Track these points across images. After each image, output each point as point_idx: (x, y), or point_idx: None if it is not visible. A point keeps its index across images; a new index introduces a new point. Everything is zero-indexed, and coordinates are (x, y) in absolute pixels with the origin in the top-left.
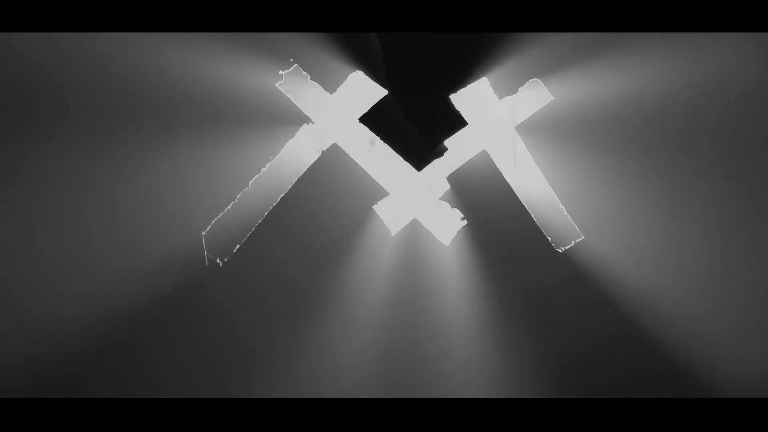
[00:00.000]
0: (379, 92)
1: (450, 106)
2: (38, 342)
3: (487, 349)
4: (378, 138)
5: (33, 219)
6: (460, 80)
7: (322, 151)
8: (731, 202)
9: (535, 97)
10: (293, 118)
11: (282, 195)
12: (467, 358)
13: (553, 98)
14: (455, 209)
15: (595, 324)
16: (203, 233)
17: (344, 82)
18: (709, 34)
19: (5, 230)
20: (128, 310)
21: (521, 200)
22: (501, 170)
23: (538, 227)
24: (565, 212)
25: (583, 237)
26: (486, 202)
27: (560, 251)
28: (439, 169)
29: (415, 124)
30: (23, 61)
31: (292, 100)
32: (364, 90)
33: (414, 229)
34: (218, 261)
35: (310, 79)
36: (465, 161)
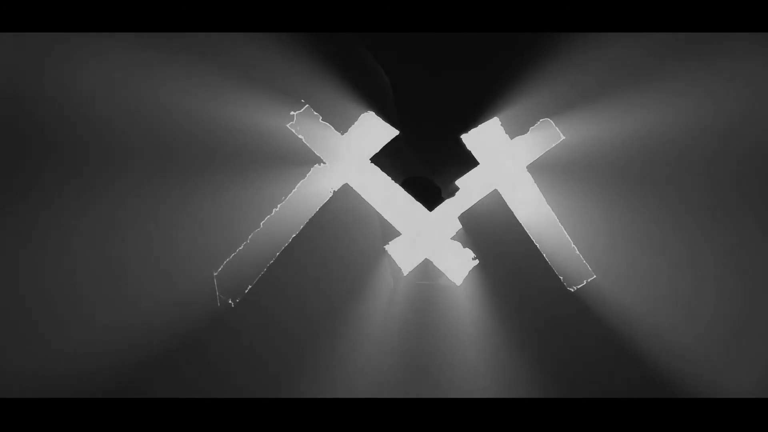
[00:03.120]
0: (390, 132)
1: (461, 146)
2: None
3: (498, 387)
4: (389, 178)
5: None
6: (471, 120)
7: (334, 191)
8: (745, 241)
9: (545, 136)
10: (305, 159)
11: (294, 235)
12: (476, 390)
13: (564, 138)
14: (467, 249)
15: (607, 361)
16: (215, 274)
17: (355, 123)
18: (722, 73)
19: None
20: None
21: (533, 240)
22: (512, 210)
23: (549, 267)
24: (577, 251)
25: (594, 276)
26: (497, 241)
27: (572, 290)
28: (451, 208)
29: (426, 164)
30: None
31: (304, 140)
32: (375, 130)
33: (426, 269)
34: (230, 302)
35: (322, 119)
36: (476, 201)
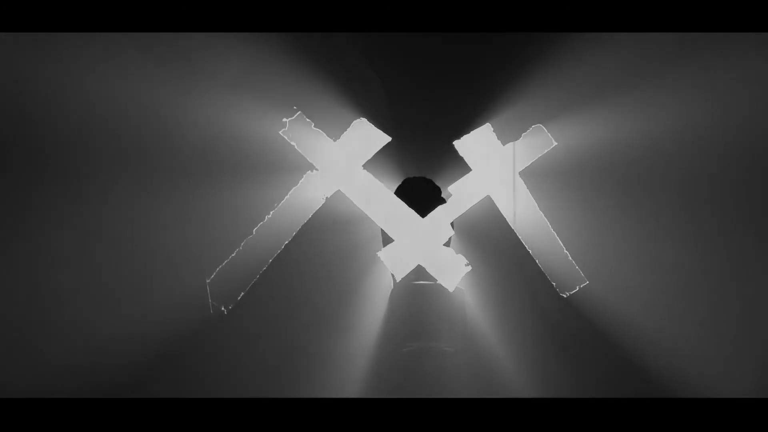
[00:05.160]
0: (382, 138)
1: (454, 152)
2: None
3: (492, 388)
4: (382, 184)
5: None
6: (463, 126)
7: (327, 197)
8: (740, 244)
9: (538, 142)
10: (297, 166)
11: (286, 242)
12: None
13: (556, 143)
14: (459, 255)
15: (600, 365)
16: (207, 281)
17: (348, 129)
18: (721, 74)
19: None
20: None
21: (525, 246)
22: (505, 216)
23: (542, 272)
24: (570, 257)
25: (587, 282)
26: (490, 247)
27: (565, 296)
28: (443, 215)
29: (418, 170)
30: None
31: (296, 147)
32: (367, 136)
33: (418, 276)
34: (223, 309)
35: (314, 126)
36: (469, 207)
